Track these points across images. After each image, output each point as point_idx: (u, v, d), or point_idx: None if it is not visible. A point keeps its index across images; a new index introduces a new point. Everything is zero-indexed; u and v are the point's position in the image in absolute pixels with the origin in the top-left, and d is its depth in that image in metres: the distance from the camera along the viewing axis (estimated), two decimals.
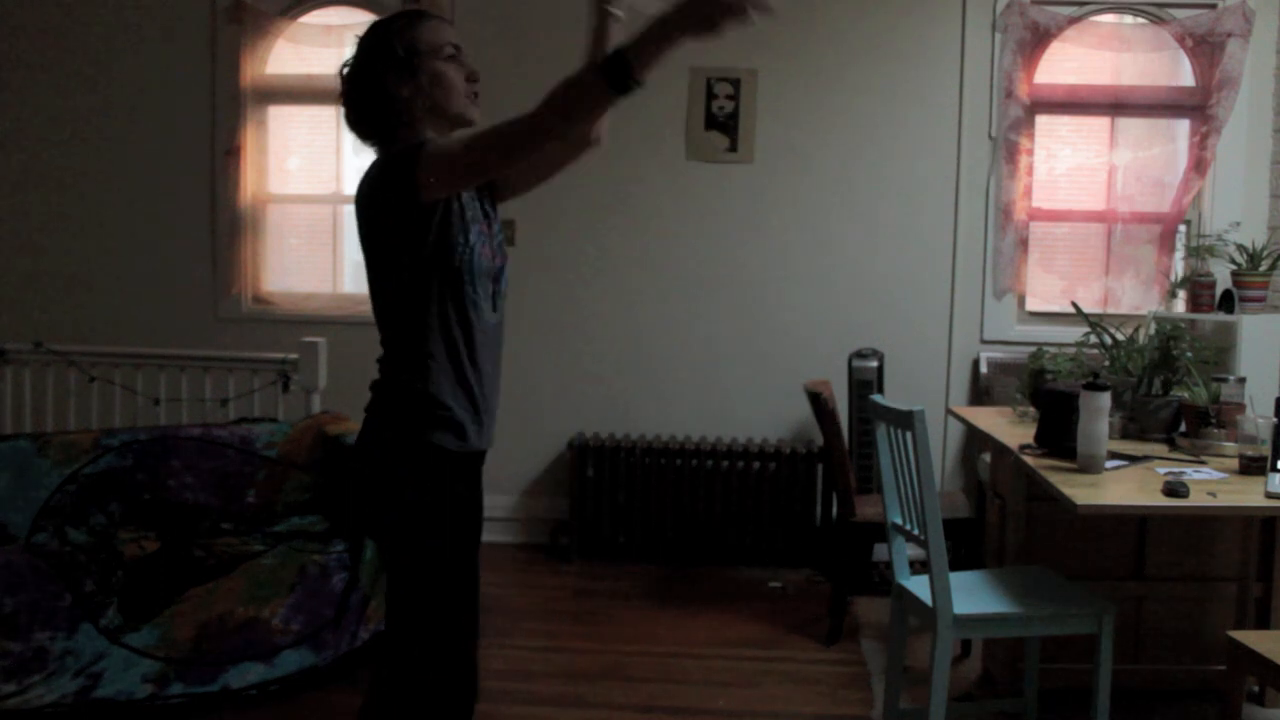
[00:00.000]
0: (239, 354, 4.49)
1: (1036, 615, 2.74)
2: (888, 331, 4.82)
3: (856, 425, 4.54)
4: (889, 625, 3.08)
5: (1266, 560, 3.31)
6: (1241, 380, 3.24)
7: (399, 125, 2.04)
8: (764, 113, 4.86)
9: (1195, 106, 4.72)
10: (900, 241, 4.87)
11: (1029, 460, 2.92)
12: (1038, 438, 3.03)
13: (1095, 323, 3.59)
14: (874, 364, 4.56)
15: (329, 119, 5.09)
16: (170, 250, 5.15)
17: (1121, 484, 2.72)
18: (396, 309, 2.04)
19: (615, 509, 4.79)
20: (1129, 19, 4.78)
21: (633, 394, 5.00)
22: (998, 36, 4.75)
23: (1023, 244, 4.81)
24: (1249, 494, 2.64)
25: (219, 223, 5.10)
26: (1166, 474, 2.76)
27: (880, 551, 4.45)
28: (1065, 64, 4.80)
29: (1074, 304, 3.93)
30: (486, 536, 2.26)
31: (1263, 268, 4.17)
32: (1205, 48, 4.68)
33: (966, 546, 3.79)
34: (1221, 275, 4.27)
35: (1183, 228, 4.80)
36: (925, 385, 4.80)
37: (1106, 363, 3.50)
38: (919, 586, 2.81)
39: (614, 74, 1.74)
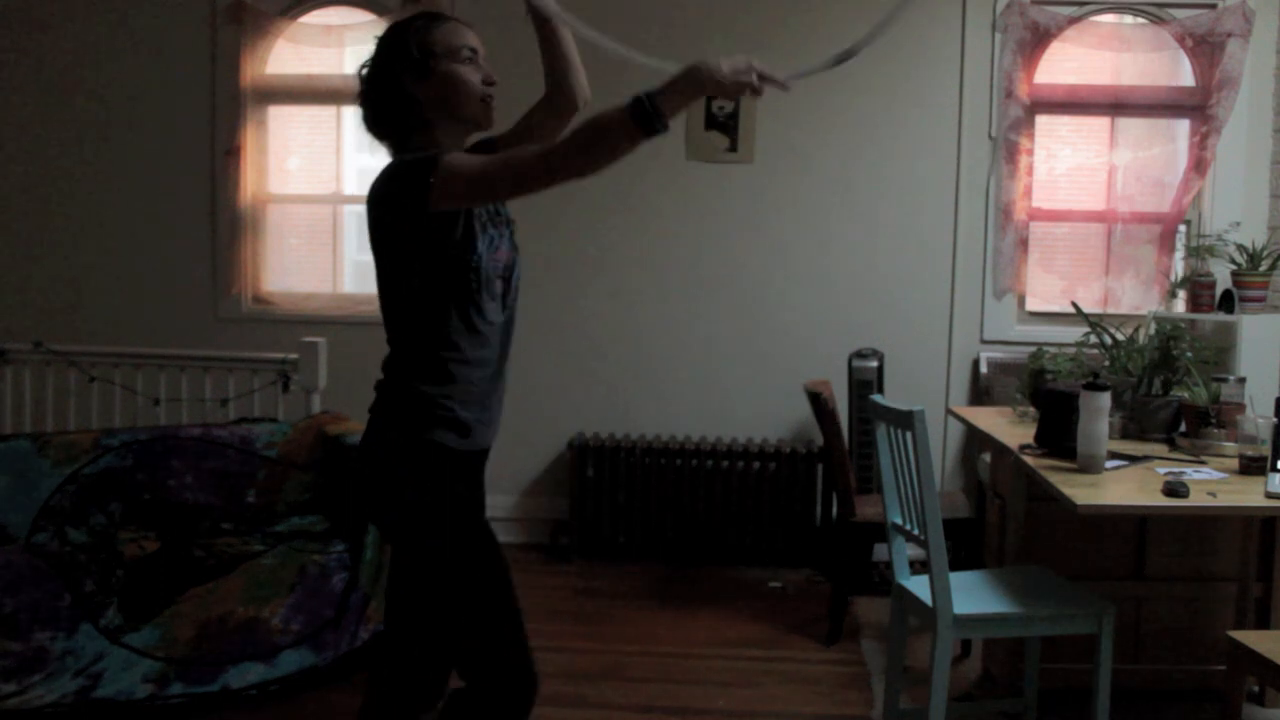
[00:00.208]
0: (239, 354, 4.49)
1: (1036, 615, 2.74)
2: (888, 331, 4.82)
3: (856, 425, 4.54)
4: (889, 625, 3.08)
5: (1266, 560, 3.31)
6: (1241, 380, 3.24)
7: (414, 126, 2.05)
8: (764, 113, 4.86)
9: (1195, 106, 4.72)
10: (900, 241, 4.87)
11: (1029, 460, 2.92)
12: (1038, 438, 3.03)
13: (1095, 323, 3.59)
14: (874, 364, 4.56)
15: (329, 119, 5.09)
16: (170, 250, 5.15)
17: (1121, 484, 2.72)
18: (403, 309, 2.04)
19: (615, 509, 4.79)
20: (1129, 19, 4.78)
21: (633, 394, 5.00)
22: (998, 36, 4.75)
23: (1023, 244, 4.81)
24: (1249, 494, 2.64)
25: (219, 223, 5.11)
26: (1166, 474, 2.76)
27: (880, 551, 4.45)
28: (1065, 64, 4.80)
29: (1074, 304, 3.93)
30: None
31: (1263, 268, 4.17)
32: (1205, 48, 4.68)
33: (966, 546, 3.79)
34: (1221, 275, 4.27)
35: (1183, 228, 4.80)
36: (925, 385, 4.80)
37: (1106, 363, 3.50)
38: (919, 586, 2.81)
39: (643, 118, 1.77)
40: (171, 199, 5.13)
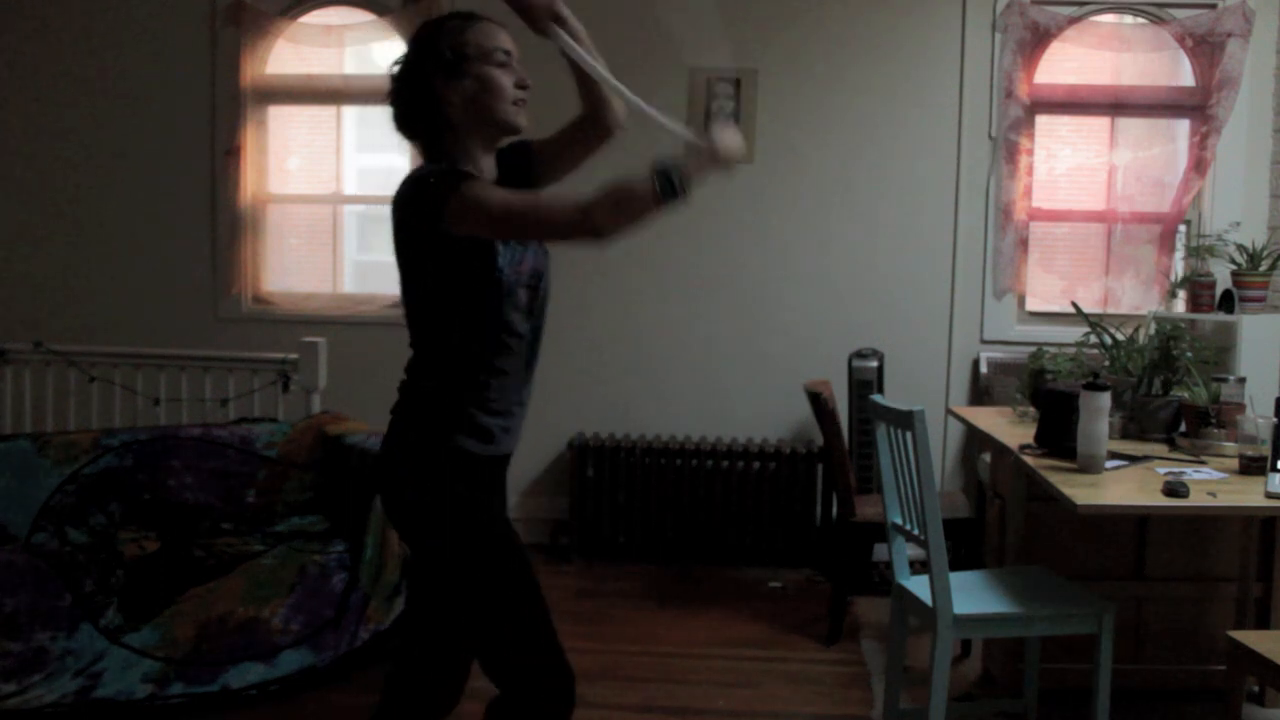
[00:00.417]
0: (239, 354, 4.49)
1: (1036, 615, 2.74)
2: (888, 331, 4.82)
3: (856, 425, 4.53)
4: (889, 625, 3.08)
5: (1266, 560, 3.31)
6: (1241, 380, 3.24)
7: (444, 128, 2.02)
8: (764, 113, 4.86)
9: (1195, 106, 4.72)
10: (900, 241, 4.87)
11: (1029, 460, 2.91)
12: (1038, 438, 3.03)
13: (1095, 323, 3.59)
14: (874, 364, 4.56)
15: (329, 119, 5.09)
16: (170, 250, 5.14)
17: (1121, 484, 2.72)
18: (426, 315, 2.02)
19: (615, 509, 4.79)
20: (1129, 19, 4.78)
21: (633, 394, 5.00)
22: (998, 36, 4.75)
23: (1023, 244, 4.81)
24: (1249, 494, 2.64)
25: (219, 223, 5.10)
26: (1166, 474, 2.76)
27: (880, 551, 4.44)
28: (1065, 64, 4.80)
29: (1074, 304, 3.93)
30: None
31: (1263, 268, 4.17)
32: (1205, 48, 4.68)
33: (966, 546, 3.79)
34: (1221, 275, 4.27)
35: (1183, 228, 4.80)
36: (925, 385, 4.80)
37: (1106, 363, 3.50)
38: (919, 586, 2.81)
39: (667, 189, 1.81)
40: (171, 199, 5.13)
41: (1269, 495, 2.61)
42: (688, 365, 4.98)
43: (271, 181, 5.15)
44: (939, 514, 2.69)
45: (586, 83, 2.12)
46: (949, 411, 4.05)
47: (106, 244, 5.18)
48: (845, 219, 4.90)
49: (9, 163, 5.21)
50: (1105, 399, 2.77)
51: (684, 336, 4.99)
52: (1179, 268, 4.70)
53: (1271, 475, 2.71)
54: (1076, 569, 3.20)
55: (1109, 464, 2.82)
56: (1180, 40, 4.70)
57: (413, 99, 2.02)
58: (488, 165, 2.08)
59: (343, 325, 4.90)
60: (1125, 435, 3.23)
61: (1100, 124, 4.83)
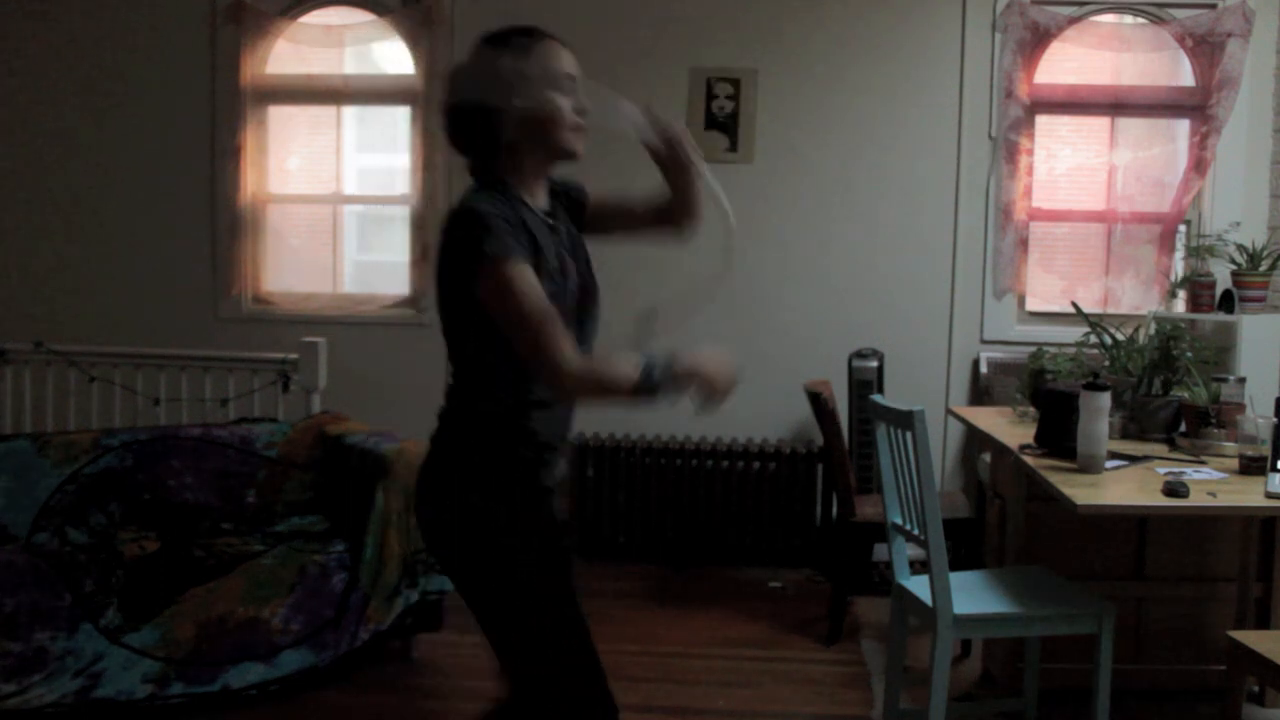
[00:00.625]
0: (239, 354, 4.48)
1: (1036, 615, 2.74)
2: (888, 331, 4.82)
3: (856, 425, 4.53)
4: (889, 625, 3.08)
5: (1266, 560, 3.31)
6: (1241, 380, 3.24)
7: (497, 148, 1.94)
8: (764, 113, 4.86)
9: (1195, 106, 4.72)
10: (900, 241, 4.87)
11: (1029, 460, 2.92)
12: (1038, 438, 3.03)
13: (1095, 323, 3.59)
14: (874, 364, 4.56)
15: (329, 119, 5.08)
16: (170, 250, 5.14)
17: (1121, 484, 2.72)
18: (466, 348, 1.95)
19: (615, 509, 4.79)
20: (1129, 19, 4.78)
21: None
22: (998, 36, 4.74)
23: (1023, 244, 4.81)
24: (1249, 494, 2.64)
25: (219, 223, 5.10)
26: (1166, 474, 2.76)
27: (880, 551, 4.44)
28: (1065, 64, 4.80)
29: (1074, 304, 3.93)
30: None
31: (1263, 268, 4.17)
32: (1205, 48, 4.68)
33: (966, 546, 3.79)
34: (1221, 275, 4.27)
35: (1183, 228, 4.80)
36: (925, 385, 4.80)
37: (1106, 363, 3.50)
38: (919, 586, 2.81)
39: (645, 386, 1.90)
40: (171, 199, 5.13)
41: (1269, 495, 2.61)
42: None
43: (271, 181, 5.15)
44: (939, 514, 2.69)
45: (684, 189, 2.13)
46: (949, 411, 4.05)
47: (106, 244, 5.18)
48: (845, 219, 4.89)
49: (9, 162, 5.20)
50: (1105, 399, 2.77)
51: (683, 336, 4.97)
52: (1179, 268, 4.70)
53: (1271, 475, 2.71)
54: (1076, 569, 3.20)
55: (1109, 464, 2.82)
56: (1180, 40, 4.70)
57: (468, 117, 1.94)
58: (539, 190, 2.01)
59: (343, 325, 4.90)
60: (1125, 435, 3.24)
61: (1100, 124, 4.83)
